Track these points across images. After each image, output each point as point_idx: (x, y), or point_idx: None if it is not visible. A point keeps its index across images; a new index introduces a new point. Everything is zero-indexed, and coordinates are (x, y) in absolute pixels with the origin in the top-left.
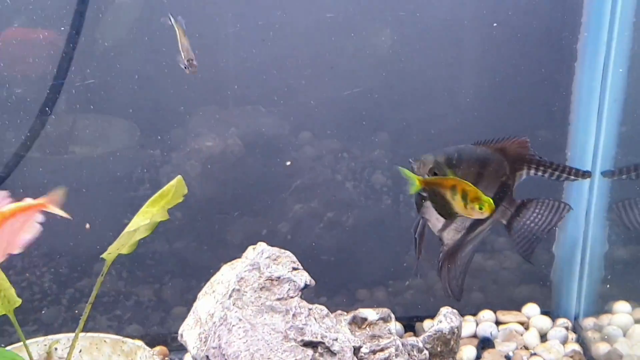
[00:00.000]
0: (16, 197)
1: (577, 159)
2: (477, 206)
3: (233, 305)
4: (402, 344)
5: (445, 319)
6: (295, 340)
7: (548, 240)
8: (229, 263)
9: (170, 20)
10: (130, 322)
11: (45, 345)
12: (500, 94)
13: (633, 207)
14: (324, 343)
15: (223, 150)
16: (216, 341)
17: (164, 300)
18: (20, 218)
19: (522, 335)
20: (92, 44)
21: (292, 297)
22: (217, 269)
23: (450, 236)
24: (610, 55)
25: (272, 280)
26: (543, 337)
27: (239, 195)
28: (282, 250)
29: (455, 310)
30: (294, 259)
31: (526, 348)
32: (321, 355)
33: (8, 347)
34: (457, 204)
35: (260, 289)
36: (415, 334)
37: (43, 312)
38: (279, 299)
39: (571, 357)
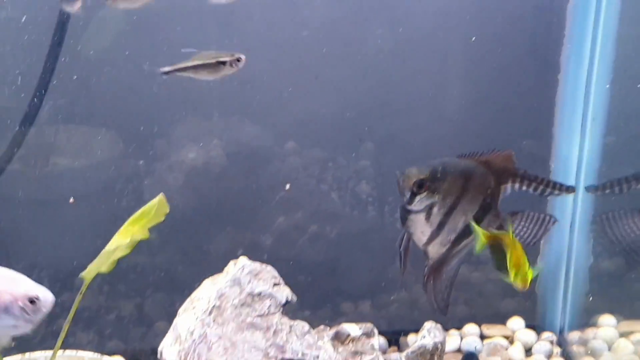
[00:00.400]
0: None
1: (561, 171)
2: (512, 272)
3: (213, 322)
4: None
5: (429, 334)
6: (275, 358)
7: (533, 254)
8: (210, 278)
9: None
10: (111, 338)
11: None
12: (485, 105)
13: (617, 220)
14: None
15: (206, 162)
16: (195, 359)
17: (145, 315)
18: None
19: (506, 349)
20: (75, 55)
21: (273, 314)
22: (200, 281)
23: (435, 250)
24: (593, 68)
25: (253, 296)
26: (528, 351)
27: (223, 207)
28: (264, 265)
29: (439, 325)
30: (275, 273)
31: None
32: None
33: None
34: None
35: (241, 305)
36: (400, 349)
37: None
38: (259, 316)
39: None
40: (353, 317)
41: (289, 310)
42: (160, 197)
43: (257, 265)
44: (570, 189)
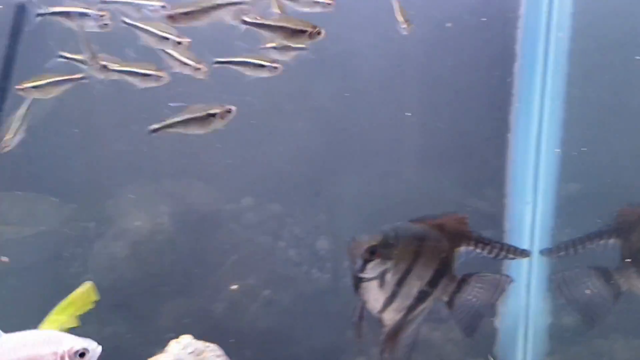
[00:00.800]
0: None
1: (516, 231)
2: None
3: None
4: None
5: None
6: None
7: (491, 315)
8: (152, 358)
9: None
10: None
11: None
12: (438, 164)
13: (572, 279)
14: None
15: (152, 230)
16: None
17: None
18: None
19: None
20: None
21: None
22: (150, 354)
23: (390, 317)
24: (542, 129)
25: None
26: None
27: (171, 275)
28: (207, 344)
29: None
30: (220, 352)
31: None
32: None
33: None
34: None
35: None
36: None
37: None
38: None
39: None
40: None
41: None
42: (88, 285)
43: (200, 344)
44: (524, 253)
